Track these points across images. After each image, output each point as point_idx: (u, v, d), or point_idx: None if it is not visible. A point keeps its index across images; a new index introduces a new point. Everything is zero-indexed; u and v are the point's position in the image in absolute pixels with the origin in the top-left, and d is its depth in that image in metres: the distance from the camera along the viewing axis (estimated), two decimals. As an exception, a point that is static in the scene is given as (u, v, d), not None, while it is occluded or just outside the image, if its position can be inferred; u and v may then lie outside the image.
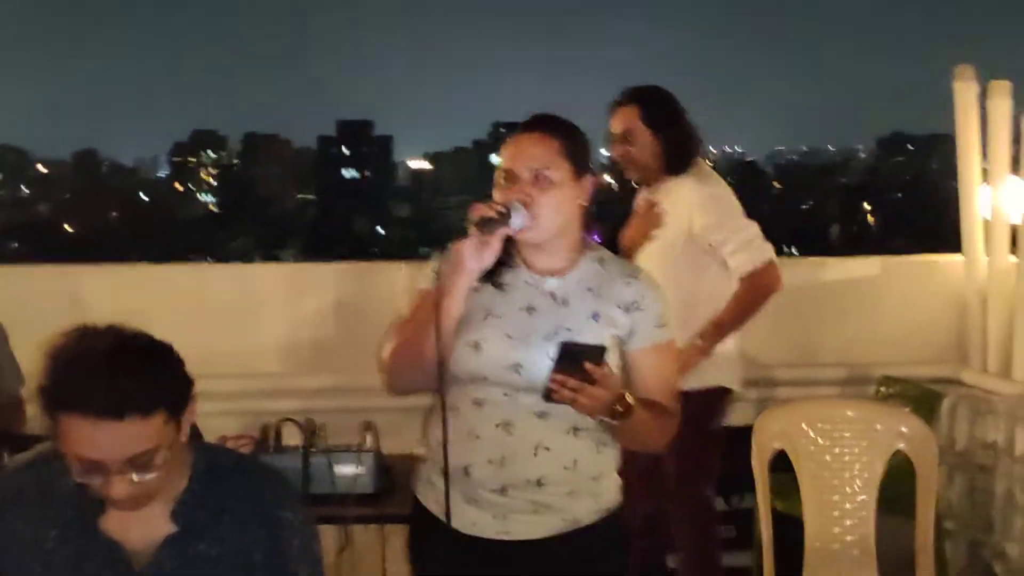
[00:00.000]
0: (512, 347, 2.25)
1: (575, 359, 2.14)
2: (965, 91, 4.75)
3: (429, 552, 2.40)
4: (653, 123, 3.61)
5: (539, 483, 2.25)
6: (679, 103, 3.70)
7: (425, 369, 2.22)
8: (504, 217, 2.20)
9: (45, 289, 4.76)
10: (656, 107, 3.65)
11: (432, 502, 2.35)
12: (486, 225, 2.18)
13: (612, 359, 2.27)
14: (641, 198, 3.79)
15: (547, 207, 2.26)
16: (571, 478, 2.31)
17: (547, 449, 2.25)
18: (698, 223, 3.58)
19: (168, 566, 1.85)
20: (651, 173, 3.67)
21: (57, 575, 1.84)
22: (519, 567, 2.29)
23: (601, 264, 2.37)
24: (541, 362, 2.21)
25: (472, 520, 2.29)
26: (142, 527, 1.85)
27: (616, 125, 3.67)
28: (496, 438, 2.25)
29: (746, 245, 3.59)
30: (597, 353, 2.16)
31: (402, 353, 2.29)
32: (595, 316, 2.29)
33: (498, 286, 2.30)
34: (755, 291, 3.59)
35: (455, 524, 2.27)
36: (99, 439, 1.70)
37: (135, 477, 1.74)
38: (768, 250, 3.62)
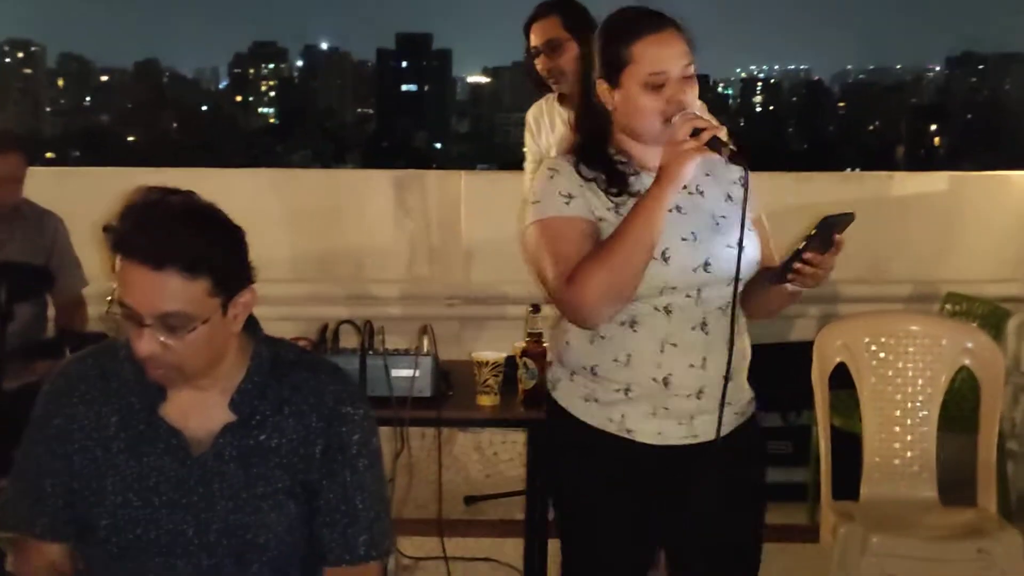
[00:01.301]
0: (693, 248, 2.18)
1: (829, 231, 2.09)
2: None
3: (594, 467, 2.29)
4: (577, 30, 3.48)
5: (728, 377, 2.19)
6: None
7: (632, 292, 2.14)
8: (720, 143, 2.11)
9: (105, 191, 4.76)
10: (577, 15, 3.53)
11: (604, 420, 2.24)
12: (714, 142, 2.09)
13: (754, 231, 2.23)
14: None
15: (695, 102, 2.19)
16: (743, 367, 2.31)
17: (733, 342, 2.18)
18: None
19: (227, 454, 1.84)
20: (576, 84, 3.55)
21: (117, 459, 1.85)
22: (695, 468, 2.21)
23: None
24: (724, 255, 2.17)
25: (658, 430, 2.22)
26: (201, 415, 1.85)
27: (537, 38, 3.55)
28: (695, 341, 2.19)
29: None
30: (848, 221, 2.10)
31: (609, 283, 2.12)
32: (728, 198, 2.25)
33: (635, 195, 2.19)
34: None
35: (640, 438, 2.22)
36: (136, 285, 1.71)
37: (163, 338, 1.72)
38: None
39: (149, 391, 1.84)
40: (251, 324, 1.88)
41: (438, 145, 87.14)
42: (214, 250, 1.74)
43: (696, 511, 2.23)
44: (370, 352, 3.07)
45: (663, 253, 2.15)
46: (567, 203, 2.20)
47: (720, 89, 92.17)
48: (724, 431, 2.21)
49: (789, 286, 2.18)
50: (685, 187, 2.19)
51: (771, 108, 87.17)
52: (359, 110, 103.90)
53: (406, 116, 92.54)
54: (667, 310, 2.18)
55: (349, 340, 3.18)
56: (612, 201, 2.19)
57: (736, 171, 2.20)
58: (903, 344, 3.39)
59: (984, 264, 4.89)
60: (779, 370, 3.28)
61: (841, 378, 3.40)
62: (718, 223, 2.21)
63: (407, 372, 3.02)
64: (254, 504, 1.85)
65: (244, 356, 1.88)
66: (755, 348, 2.36)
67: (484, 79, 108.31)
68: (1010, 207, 4.95)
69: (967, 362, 3.36)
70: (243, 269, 1.81)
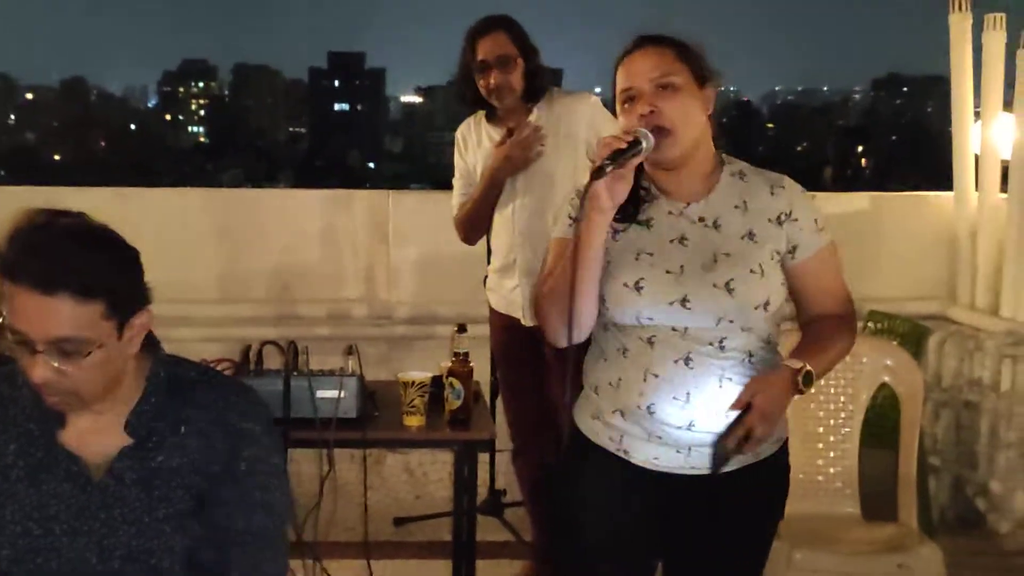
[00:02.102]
0: (674, 282, 2.14)
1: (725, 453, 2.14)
2: (960, 22, 4.71)
3: (601, 485, 2.29)
4: (523, 48, 3.51)
5: (726, 415, 2.16)
6: None
7: (574, 314, 2.09)
8: (634, 145, 2.06)
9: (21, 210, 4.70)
10: (521, 32, 3.54)
11: (606, 439, 2.26)
12: (618, 157, 2.04)
13: (774, 276, 2.18)
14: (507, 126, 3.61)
15: (676, 113, 2.12)
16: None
17: (730, 379, 2.15)
18: (607, 130, 3.55)
19: (127, 478, 1.81)
20: (517, 101, 3.57)
21: (16, 488, 1.80)
22: (698, 499, 2.22)
23: (741, 177, 2.24)
24: (707, 293, 2.13)
25: (654, 455, 2.21)
26: (99, 440, 1.81)
27: (487, 53, 3.49)
28: (678, 375, 2.15)
29: None
30: (742, 436, 2.12)
31: (550, 302, 2.17)
32: (750, 235, 2.18)
33: (642, 223, 2.18)
34: None
35: (636, 460, 2.22)
36: (28, 311, 1.66)
37: (57, 363, 1.69)
38: None
39: (47, 417, 1.81)
40: (150, 344, 1.85)
41: (371, 164, 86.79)
42: (107, 272, 1.71)
43: (694, 540, 2.26)
44: (295, 373, 3.04)
45: (636, 283, 2.15)
46: (570, 225, 2.21)
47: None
48: (728, 468, 2.19)
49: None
50: (702, 219, 2.18)
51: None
52: (291, 129, 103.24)
53: (339, 135, 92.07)
54: (650, 341, 2.16)
55: (274, 361, 3.15)
56: (614, 226, 2.17)
57: (778, 208, 2.19)
58: (825, 362, 3.43)
59: (905, 282, 4.98)
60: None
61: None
62: (716, 260, 2.16)
63: (332, 393, 3.00)
64: (156, 528, 1.81)
65: (140, 376, 1.84)
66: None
67: (417, 99, 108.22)
68: (930, 226, 5.05)
69: (887, 379, 3.42)
70: (138, 290, 1.77)
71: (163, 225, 4.76)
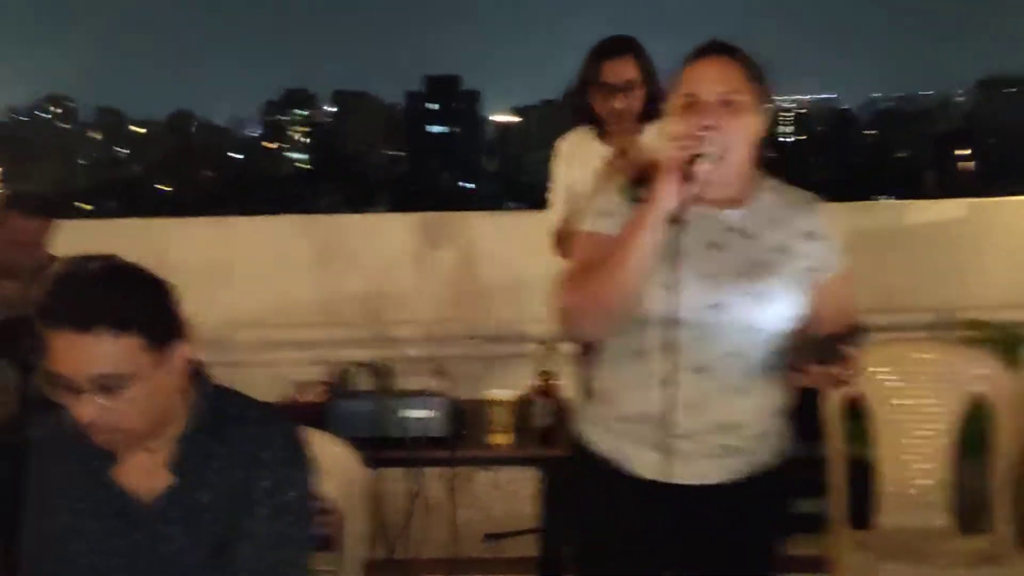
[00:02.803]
0: (708, 287, 2.13)
1: (832, 347, 2.03)
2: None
3: (601, 495, 2.31)
4: (648, 74, 3.50)
5: (736, 426, 2.17)
6: None
7: (614, 313, 2.12)
8: (709, 156, 2.07)
9: (133, 243, 4.85)
10: (647, 58, 3.52)
11: (606, 445, 2.26)
12: (697, 160, 2.05)
13: (803, 291, 2.19)
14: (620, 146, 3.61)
15: (736, 134, 2.12)
16: (763, 419, 2.24)
17: (744, 391, 2.16)
18: None
19: (169, 515, 1.82)
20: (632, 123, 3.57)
21: (86, 524, 1.84)
22: (700, 511, 2.22)
23: (774, 192, 2.26)
24: (740, 301, 2.13)
25: (654, 465, 2.19)
26: (148, 477, 1.83)
27: (614, 76, 3.48)
28: (693, 382, 2.14)
29: None
30: (860, 339, 2.04)
31: (589, 298, 2.13)
32: (783, 249, 2.19)
33: (677, 222, 2.11)
34: None
35: (637, 469, 2.21)
36: (68, 352, 1.68)
37: (101, 400, 1.69)
38: None
39: (103, 453, 1.83)
40: (198, 379, 1.86)
41: (467, 185, 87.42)
42: (141, 305, 1.72)
43: (696, 553, 2.25)
44: (384, 394, 3.12)
45: (670, 284, 2.12)
46: (599, 219, 2.23)
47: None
48: (732, 477, 2.20)
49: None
50: (737, 228, 2.17)
51: (800, 138, 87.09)
52: (389, 152, 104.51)
53: (435, 157, 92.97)
54: (672, 345, 2.13)
55: (365, 382, 3.24)
56: None
57: (811, 222, 2.21)
58: (916, 372, 3.40)
59: (1002, 289, 4.87)
60: (799, 399, 3.30)
61: (857, 404, 3.40)
62: (751, 269, 2.16)
63: (421, 413, 3.07)
64: (199, 568, 1.82)
65: (184, 411, 1.85)
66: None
67: (512, 118, 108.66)
68: (1026, 231, 4.94)
69: (981, 389, 3.37)
70: (174, 322, 1.77)
71: (262, 252, 4.90)
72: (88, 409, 1.71)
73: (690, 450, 2.18)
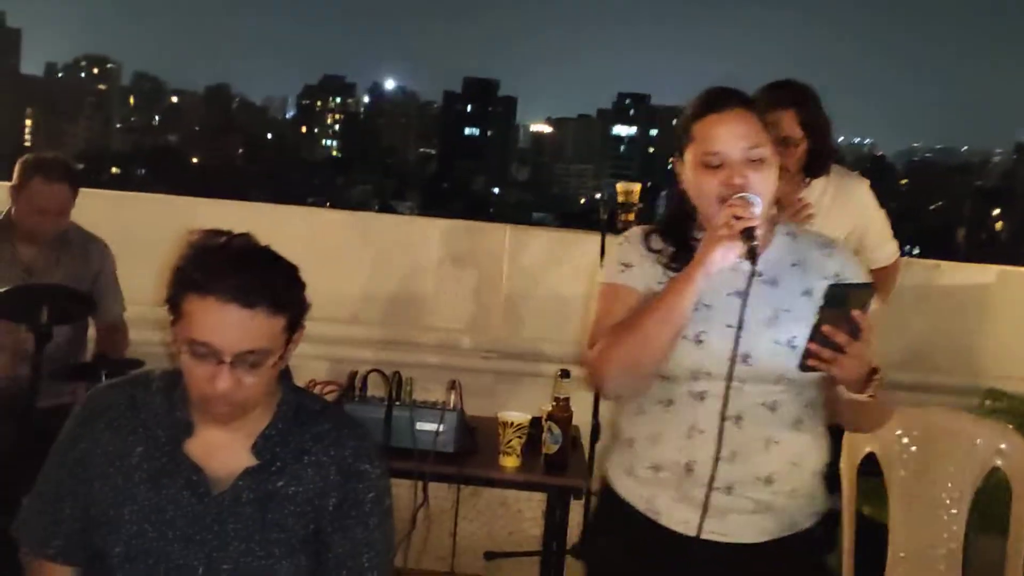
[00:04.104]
0: (735, 337, 2.08)
1: (842, 302, 1.97)
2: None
3: (629, 546, 2.25)
4: (811, 127, 3.26)
5: (768, 480, 2.13)
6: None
7: (651, 370, 2.10)
8: (759, 215, 2.07)
9: (157, 218, 4.86)
10: (813, 108, 3.28)
11: (635, 496, 2.21)
12: (748, 234, 2.04)
13: None
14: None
15: (762, 187, 2.10)
16: (796, 475, 2.18)
17: (776, 443, 2.12)
18: (877, 223, 3.49)
19: (245, 496, 1.87)
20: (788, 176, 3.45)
21: (137, 489, 1.87)
22: (726, 570, 2.15)
23: (793, 237, 2.24)
24: (769, 349, 2.10)
25: (684, 519, 2.14)
26: (224, 456, 1.88)
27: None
28: (725, 433, 2.09)
29: (890, 237, 3.58)
30: (864, 293, 2.00)
31: (627, 355, 2.10)
32: (807, 292, 2.14)
33: (753, 263, 2.09)
34: (894, 280, 3.61)
35: (665, 522, 2.17)
36: (225, 324, 1.74)
37: (241, 374, 1.77)
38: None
39: (177, 425, 1.88)
40: (282, 371, 1.91)
41: (496, 190, 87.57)
42: (290, 288, 1.81)
43: None
44: (397, 403, 3.08)
45: (697, 336, 2.10)
46: (622, 271, 2.20)
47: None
48: (762, 538, 2.15)
49: (816, 373, 2.06)
50: (759, 274, 2.11)
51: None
52: (421, 150, 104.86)
53: (467, 159, 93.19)
54: (700, 396, 2.12)
55: (378, 388, 3.20)
56: (669, 276, 2.15)
57: (831, 269, 2.18)
58: (935, 439, 3.34)
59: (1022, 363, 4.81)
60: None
61: (874, 464, 3.35)
62: (778, 317, 2.12)
63: (432, 426, 3.04)
64: (267, 549, 1.86)
65: (272, 401, 1.92)
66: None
67: (547, 128, 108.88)
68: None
69: (1000, 463, 3.30)
70: (304, 307, 1.86)
71: (288, 242, 4.85)
72: (227, 381, 1.76)
73: (723, 504, 2.12)
